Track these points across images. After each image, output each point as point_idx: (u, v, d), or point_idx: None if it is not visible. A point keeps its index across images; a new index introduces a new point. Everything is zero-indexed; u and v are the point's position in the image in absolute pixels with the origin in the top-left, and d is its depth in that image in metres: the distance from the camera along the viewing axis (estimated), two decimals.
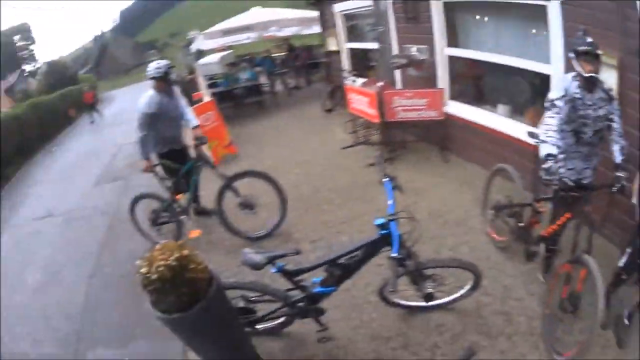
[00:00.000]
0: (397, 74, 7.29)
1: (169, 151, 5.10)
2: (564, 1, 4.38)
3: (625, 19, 3.85)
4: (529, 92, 5.52)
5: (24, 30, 69.25)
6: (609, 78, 4.02)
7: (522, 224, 3.68)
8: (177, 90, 5.20)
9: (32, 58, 69.43)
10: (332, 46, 10.68)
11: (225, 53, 16.56)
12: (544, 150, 2.78)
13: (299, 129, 9.45)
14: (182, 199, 5.27)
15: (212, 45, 13.25)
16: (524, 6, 4.95)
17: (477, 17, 5.92)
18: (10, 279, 5.84)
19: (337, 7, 9.71)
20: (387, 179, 2.83)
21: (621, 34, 3.85)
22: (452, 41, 6.27)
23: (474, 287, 3.14)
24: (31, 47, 70.35)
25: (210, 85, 11.90)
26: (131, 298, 4.38)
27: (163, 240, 4.75)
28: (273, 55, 15.38)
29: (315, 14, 11.53)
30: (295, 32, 13.01)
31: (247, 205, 4.87)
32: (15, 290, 5.50)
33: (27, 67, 63.49)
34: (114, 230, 6.51)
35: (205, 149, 5.41)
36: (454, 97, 6.48)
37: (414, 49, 6.69)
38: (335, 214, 5.27)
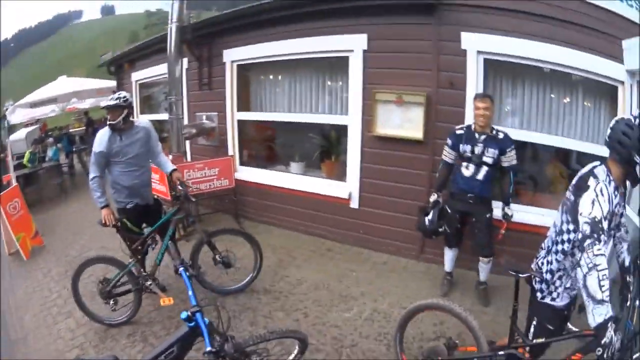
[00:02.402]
0: (188, 145, 6.91)
1: (134, 207, 4.25)
2: (367, 49, 4.65)
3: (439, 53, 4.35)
4: (324, 145, 5.71)
5: None
6: (416, 116, 4.42)
7: None
8: (143, 128, 4.26)
9: None
10: None
11: (31, 128, 14.27)
12: None
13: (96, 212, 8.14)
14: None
15: (21, 118, 11.34)
16: (323, 60, 5.17)
17: (271, 77, 6.02)
18: None
19: (134, 76, 9.07)
20: (182, 267, 2.64)
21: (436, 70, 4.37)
22: (244, 105, 6.18)
23: (302, 351, 2.98)
24: None
25: (17, 166, 10.14)
26: None
27: (117, 317, 4.15)
28: (71, 130, 13.80)
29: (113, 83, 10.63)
30: (94, 104, 11.86)
31: (225, 264, 4.27)
32: None
33: None
34: None
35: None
36: (244, 162, 6.41)
37: (204, 117, 6.43)
38: None
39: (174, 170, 4.36)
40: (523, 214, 4.53)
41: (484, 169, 3.89)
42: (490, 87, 4.58)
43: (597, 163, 2.23)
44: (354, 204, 5.20)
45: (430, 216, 4.09)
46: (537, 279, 2.44)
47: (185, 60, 6.53)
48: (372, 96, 4.68)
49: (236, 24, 5.86)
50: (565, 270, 2.34)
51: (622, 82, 4.02)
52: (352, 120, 4.92)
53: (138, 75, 8.96)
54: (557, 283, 2.38)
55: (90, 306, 4.20)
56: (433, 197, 4.11)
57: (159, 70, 7.55)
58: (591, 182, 2.13)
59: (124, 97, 4.02)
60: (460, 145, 3.93)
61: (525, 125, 4.64)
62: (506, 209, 3.98)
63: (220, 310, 2.53)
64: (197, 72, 6.51)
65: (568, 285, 2.38)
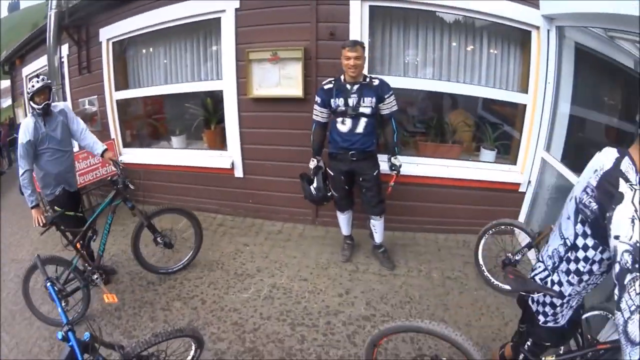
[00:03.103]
0: None
1: (60, 195, 4.01)
2: (240, 8, 4.38)
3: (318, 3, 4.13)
4: (203, 114, 5.44)
5: None
6: (294, 72, 4.26)
7: None
8: (61, 111, 3.98)
9: None
10: (21, 117, 9.08)
11: None
12: None
13: (12, 222, 7.30)
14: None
15: None
16: (197, 25, 4.86)
17: (148, 49, 5.65)
18: None
19: (24, 71, 8.42)
20: (48, 282, 2.48)
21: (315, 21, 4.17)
22: (122, 83, 5.75)
23: (200, 346, 2.86)
24: None
25: None
26: None
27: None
28: None
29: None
30: None
31: (167, 244, 4.17)
32: None
33: None
34: None
35: None
36: (128, 144, 6.00)
37: (86, 102, 5.97)
38: None
39: (105, 150, 4.04)
40: (425, 166, 4.38)
41: (363, 120, 3.61)
42: (379, 37, 4.34)
43: (615, 153, 1.62)
44: (238, 172, 4.94)
45: (315, 183, 3.82)
46: (536, 299, 2.00)
47: (66, 47, 6.08)
48: (245, 56, 4.36)
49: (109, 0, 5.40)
50: (579, 293, 1.87)
51: (538, 27, 3.88)
52: (227, 85, 4.61)
53: (28, 70, 8.34)
54: (566, 306, 1.92)
55: (44, 310, 3.87)
56: (313, 163, 3.82)
57: (45, 61, 6.90)
58: (624, 187, 1.53)
59: (45, 77, 3.81)
60: (332, 100, 3.62)
61: (420, 74, 4.44)
62: (393, 159, 3.72)
63: (91, 322, 2.49)
64: (76, 57, 6.03)
65: (574, 304, 1.94)
